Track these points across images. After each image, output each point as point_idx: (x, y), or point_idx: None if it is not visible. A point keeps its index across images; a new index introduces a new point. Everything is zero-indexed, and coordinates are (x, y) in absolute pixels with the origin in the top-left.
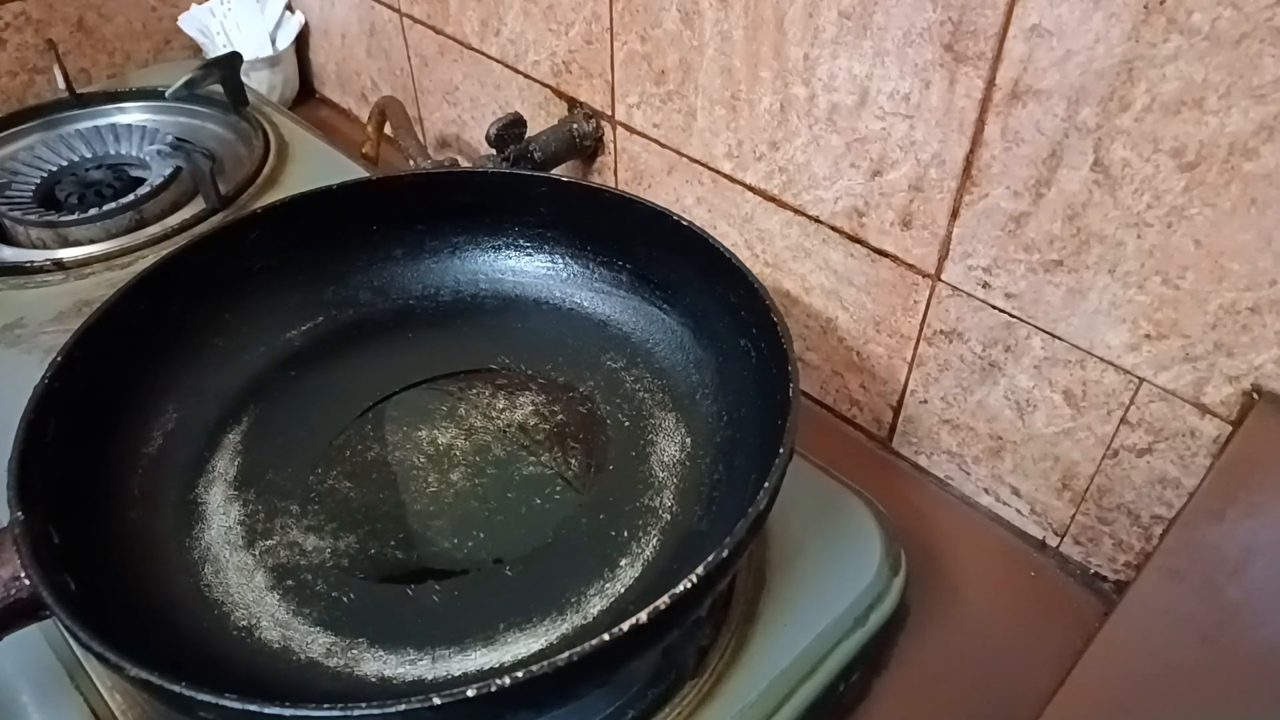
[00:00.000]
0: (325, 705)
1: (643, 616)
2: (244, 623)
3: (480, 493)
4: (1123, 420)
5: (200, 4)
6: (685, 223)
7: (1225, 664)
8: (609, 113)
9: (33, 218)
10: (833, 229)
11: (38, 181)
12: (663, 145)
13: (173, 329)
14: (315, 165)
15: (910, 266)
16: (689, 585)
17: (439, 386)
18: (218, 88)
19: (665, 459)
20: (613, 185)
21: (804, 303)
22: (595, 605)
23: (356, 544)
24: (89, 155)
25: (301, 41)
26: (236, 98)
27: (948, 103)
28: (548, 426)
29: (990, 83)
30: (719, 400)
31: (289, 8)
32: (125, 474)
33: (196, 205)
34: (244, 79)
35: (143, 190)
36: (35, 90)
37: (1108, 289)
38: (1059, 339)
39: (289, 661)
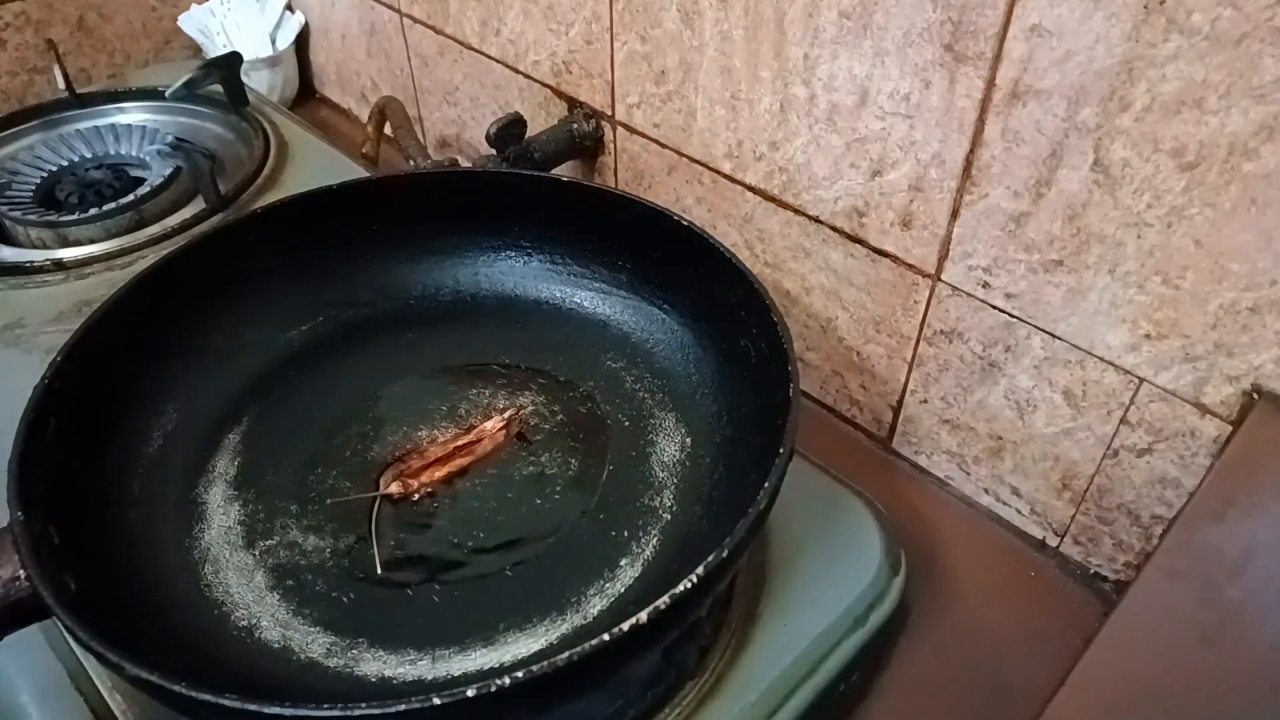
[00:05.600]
0: (325, 705)
1: (643, 616)
2: (244, 623)
3: (480, 493)
4: (1123, 420)
5: (200, 4)
6: (685, 223)
7: (1225, 664)
8: (609, 113)
9: (33, 218)
10: (833, 229)
11: (38, 181)
12: (663, 145)
13: (173, 329)
14: (315, 165)
15: (910, 266)
16: (689, 585)
17: (439, 386)
18: (218, 88)
19: (665, 459)
20: (613, 185)
21: (804, 303)
22: (595, 605)
23: (356, 544)
24: (89, 155)
25: (301, 41)
26: (236, 98)
27: (948, 103)
28: (548, 426)
29: (990, 83)
30: (719, 400)
31: (289, 8)
32: (125, 474)
33: (196, 205)
34: (244, 79)
35: (143, 190)
36: (35, 90)
37: (1108, 289)
38: (1059, 339)
39: (289, 661)
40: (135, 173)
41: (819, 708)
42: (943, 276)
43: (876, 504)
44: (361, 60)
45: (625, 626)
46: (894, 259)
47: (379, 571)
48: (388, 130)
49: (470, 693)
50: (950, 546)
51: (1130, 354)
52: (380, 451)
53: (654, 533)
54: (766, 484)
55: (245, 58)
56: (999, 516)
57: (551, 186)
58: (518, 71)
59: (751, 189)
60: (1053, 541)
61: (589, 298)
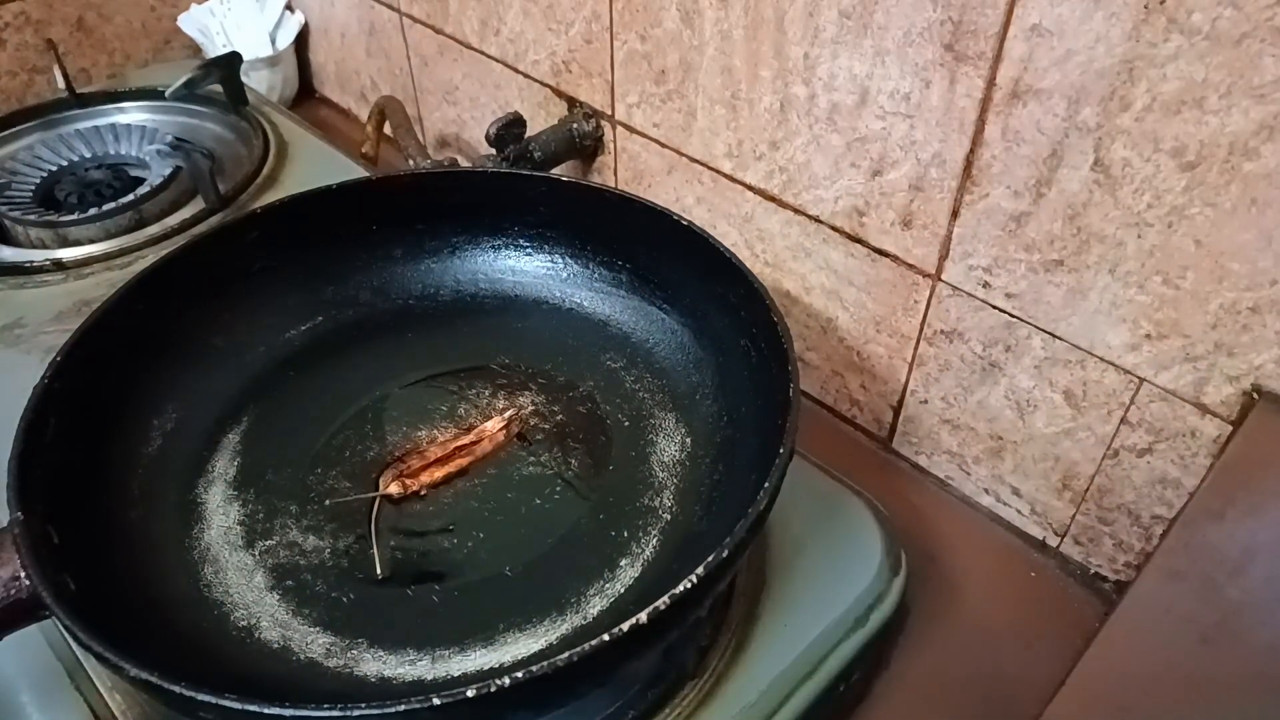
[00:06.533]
0: (325, 705)
1: (643, 617)
2: (244, 623)
3: (480, 493)
4: (1123, 420)
5: (200, 4)
6: (685, 223)
7: (1225, 664)
8: (609, 112)
9: (32, 218)
10: (833, 229)
11: (38, 181)
12: (663, 145)
13: (172, 329)
14: (315, 165)
15: (910, 266)
16: (689, 585)
17: (438, 386)
18: (217, 87)
19: (665, 459)
20: (613, 185)
21: (804, 303)
22: (595, 605)
23: (356, 544)
24: (89, 155)
25: (301, 41)
26: (236, 97)
27: (948, 102)
28: (548, 426)
29: (990, 82)
30: (719, 400)
31: (289, 7)
32: (125, 474)
33: (196, 205)
34: (244, 79)
35: (142, 190)
36: (35, 90)
37: (1108, 289)
38: (1059, 339)
39: (289, 661)
40: (135, 173)
41: (819, 708)
42: (943, 276)
43: (876, 504)
44: (361, 60)
45: (625, 627)
46: (894, 259)
47: (379, 572)
48: (387, 130)
49: (470, 693)
50: (950, 546)
51: (1130, 354)
52: (380, 451)
53: (654, 533)
54: (766, 484)
55: (245, 57)
56: (999, 517)
57: (551, 186)
58: (517, 71)
59: (751, 189)
60: (1053, 541)
61: (589, 298)
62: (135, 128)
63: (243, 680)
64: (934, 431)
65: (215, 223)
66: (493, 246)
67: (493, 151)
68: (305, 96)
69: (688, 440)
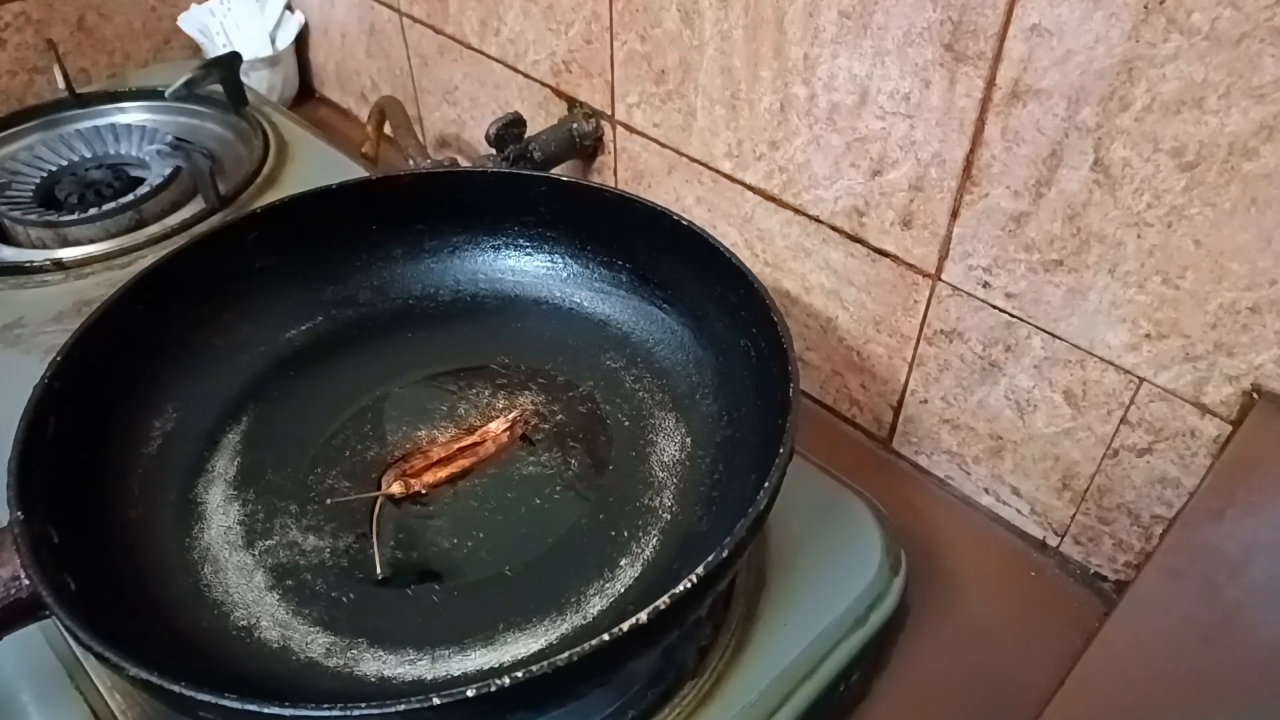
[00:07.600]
0: (325, 705)
1: (643, 617)
2: (244, 622)
3: (480, 493)
4: (1123, 420)
5: (200, 4)
6: (685, 222)
7: (1225, 664)
8: (609, 112)
9: (33, 218)
10: (833, 229)
11: (38, 181)
12: (662, 145)
13: (172, 329)
14: (315, 165)
15: (910, 266)
16: (689, 585)
17: (438, 386)
18: (217, 88)
19: (665, 459)
20: (613, 185)
21: (804, 302)
22: (595, 605)
23: (356, 544)
24: (89, 155)
25: (301, 41)
26: (236, 98)
27: (948, 102)
28: (548, 426)
29: (990, 82)
30: (719, 400)
31: (289, 7)
32: (125, 474)
33: (196, 205)
34: (244, 79)
35: (142, 190)
36: (35, 90)
37: (1108, 289)
38: (1059, 339)
39: (289, 661)
40: (135, 173)
41: (819, 708)
42: (943, 276)
43: (876, 504)
44: (361, 60)
45: (625, 626)
46: (894, 259)
47: (379, 572)
48: (387, 130)
49: (470, 693)
50: (950, 546)
51: (1130, 354)
52: (380, 451)
53: (654, 533)
54: (766, 484)
55: (245, 57)
56: (999, 516)
57: (551, 186)
58: (517, 71)
59: (751, 188)
60: (1053, 541)
61: (588, 297)
62: (135, 128)
63: (242, 680)
64: (934, 431)
65: (215, 223)
66: (493, 246)
67: (493, 151)
68: (305, 96)
69: (688, 440)
